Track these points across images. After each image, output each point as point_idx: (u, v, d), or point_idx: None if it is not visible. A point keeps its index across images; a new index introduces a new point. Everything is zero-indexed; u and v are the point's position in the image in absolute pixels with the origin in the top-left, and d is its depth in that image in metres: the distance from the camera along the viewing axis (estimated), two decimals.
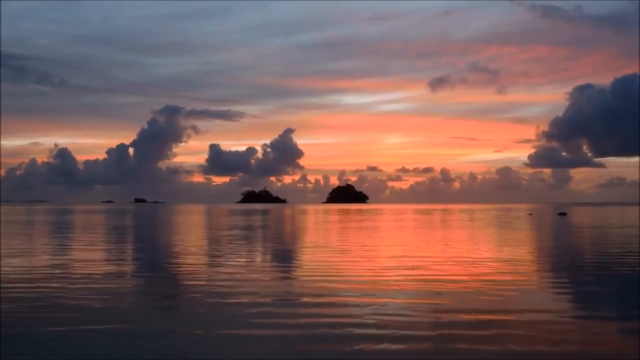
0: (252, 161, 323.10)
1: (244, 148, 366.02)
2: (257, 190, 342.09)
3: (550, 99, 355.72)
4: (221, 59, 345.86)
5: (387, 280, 11.90)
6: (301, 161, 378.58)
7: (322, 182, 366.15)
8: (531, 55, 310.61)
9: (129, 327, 7.75)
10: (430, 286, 11.14)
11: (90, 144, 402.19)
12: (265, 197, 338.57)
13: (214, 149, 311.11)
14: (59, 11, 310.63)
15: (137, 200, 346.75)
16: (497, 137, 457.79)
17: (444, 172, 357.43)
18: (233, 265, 14.70)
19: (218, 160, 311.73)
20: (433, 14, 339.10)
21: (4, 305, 9.16)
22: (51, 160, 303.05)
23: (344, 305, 9.20)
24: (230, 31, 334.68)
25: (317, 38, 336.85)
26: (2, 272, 13.03)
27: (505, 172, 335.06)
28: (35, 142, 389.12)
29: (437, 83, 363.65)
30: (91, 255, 17.15)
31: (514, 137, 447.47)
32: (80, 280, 11.86)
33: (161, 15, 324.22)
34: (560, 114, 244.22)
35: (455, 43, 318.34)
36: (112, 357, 6.41)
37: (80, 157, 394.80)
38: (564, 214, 67.93)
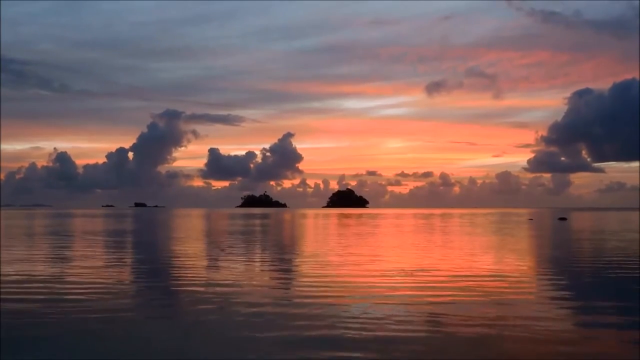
0: (252, 165, 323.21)
1: (243, 152, 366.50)
2: (257, 194, 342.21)
3: (551, 104, 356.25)
4: (222, 63, 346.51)
5: (384, 287, 11.94)
6: (301, 165, 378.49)
7: (322, 186, 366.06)
8: (531, 60, 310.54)
9: (128, 328, 7.82)
10: (428, 292, 11.19)
11: (90, 148, 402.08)
12: (265, 201, 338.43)
13: (213, 153, 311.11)
14: (60, 16, 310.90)
15: (137, 205, 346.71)
16: (496, 141, 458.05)
17: (444, 177, 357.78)
18: (231, 270, 14.72)
19: (217, 165, 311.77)
20: (433, 18, 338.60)
21: (3, 307, 9.22)
22: (50, 164, 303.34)
23: (340, 310, 9.25)
24: (231, 36, 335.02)
25: (318, 43, 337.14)
26: (2, 275, 13.09)
27: (504, 177, 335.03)
28: (35, 147, 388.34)
29: (434, 88, 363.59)
30: (90, 259, 17.19)
31: (513, 142, 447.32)
32: (79, 284, 11.90)
33: (162, 20, 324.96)
34: (560, 119, 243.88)
35: (456, 48, 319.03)
36: (111, 357, 6.48)
37: (80, 161, 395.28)
38: (564, 219, 67.96)
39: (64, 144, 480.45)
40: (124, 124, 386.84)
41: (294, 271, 14.86)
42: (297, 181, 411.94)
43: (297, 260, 17.70)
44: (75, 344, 7.09)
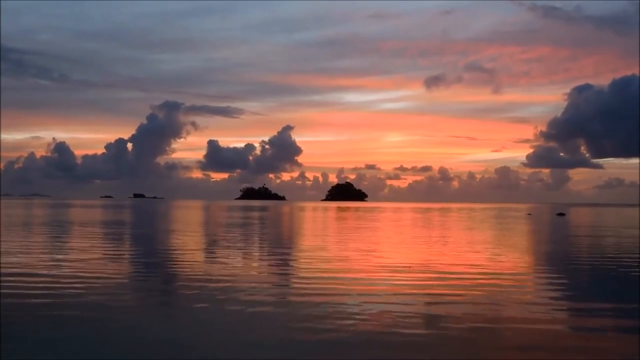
0: (251, 158, 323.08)
1: (242, 144, 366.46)
2: (256, 187, 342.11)
3: (551, 99, 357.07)
4: (222, 55, 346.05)
5: (382, 283, 11.92)
6: (300, 158, 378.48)
7: (321, 179, 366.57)
8: (532, 55, 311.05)
9: (127, 325, 7.78)
10: (425, 289, 11.17)
11: (89, 138, 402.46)
12: (264, 194, 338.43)
13: (212, 145, 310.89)
14: (60, 6, 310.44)
15: (136, 196, 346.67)
16: (495, 136, 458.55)
17: (443, 171, 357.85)
18: (229, 264, 14.70)
19: (216, 157, 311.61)
20: (434, 13, 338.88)
21: (3, 305, 9.17)
22: (49, 154, 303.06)
23: (337, 306, 9.22)
24: (232, 28, 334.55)
25: (319, 36, 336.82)
26: (2, 270, 13.05)
27: (503, 172, 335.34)
28: (35, 136, 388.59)
29: (433, 82, 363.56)
30: (88, 252, 17.16)
31: (512, 137, 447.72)
32: (78, 278, 11.87)
33: (163, 12, 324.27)
34: (560, 114, 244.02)
35: (456, 42, 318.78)
36: (111, 356, 6.43)
37: (78, 152, 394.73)
38: (562, 214, 67.97)
39: (63, 134, 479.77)
40: (124, 115, 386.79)
41: (292, 266, 14.82)
42: (296, 174, 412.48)
43: (295, 254, 17.67)
44: (74, 342, 7.05)
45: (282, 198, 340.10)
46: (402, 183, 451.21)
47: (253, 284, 11.18)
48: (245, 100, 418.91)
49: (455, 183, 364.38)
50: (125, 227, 32.52)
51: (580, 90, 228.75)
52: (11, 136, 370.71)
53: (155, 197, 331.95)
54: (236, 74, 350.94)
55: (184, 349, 6.63)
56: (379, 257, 16.37)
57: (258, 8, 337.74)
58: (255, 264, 14.93)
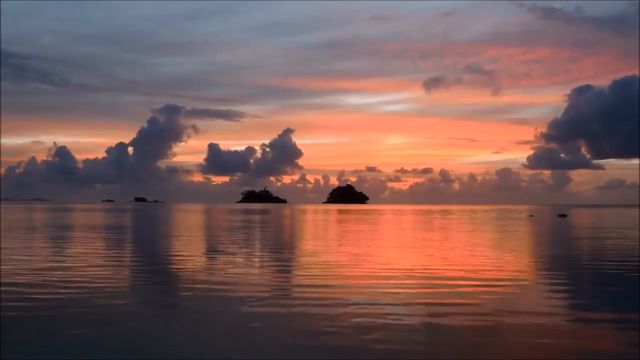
0: (251, 161, 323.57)
1: (243, 148, 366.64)
2: (257, 190, 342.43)
3: (551, 100, 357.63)
4: (223, 58, 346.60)
5: (383, 286, 11.89)
6: (300, 161, 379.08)
7: (321, 182, 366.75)
8: (532, 56, 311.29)
9: (128, 329, 7.76)
10: (426, 291, 11.15)
11: (90, 142, 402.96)
12: (265, 197, 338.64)
13: (213, 149, 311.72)
14: (61, 10, 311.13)
15: (137, 199, 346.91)
16: (496, 138, 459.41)
17: (444, 173, 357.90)
18: (229, 267, 14.67)
19: (217, 160, 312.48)
20: (434, 14, 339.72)
21: (4, 307, 9.15)
22: (50, 158, 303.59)
23: (339, 306, 9.20)
24: (232, 31, 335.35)
25: (319, 38, 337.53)
26: (2, 272, 13.03)
27: (504, 173, 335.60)
28: (36, 141, 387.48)
29: (432, 84, 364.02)
30: (89, 256, 17.12)
31: (513, 139, 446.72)
32: (79, 280, 11.84)
33: (164, 15, 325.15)
34: (560, 115, 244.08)
35: (457, 44, 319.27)
36: (111, 356, 6.43)
37: (79, 156, 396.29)
38: (564, 215, 67.92)
39: (64, 139, 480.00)
40: (124, 119, 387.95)
41: (292, 270, 14.80)
42: (296, 177, 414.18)
43: (296, 258, 17.64)
44: (75, 345, 7.03)
45: (283, 201, 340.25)
46: (403, 185, 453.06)
47: (254, 289, 11.15)
48: (246, 104, 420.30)
49: (456, 185, 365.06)
50: (127, 231, 32.50)
51: (580, 91, 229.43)
52: (12, 141, 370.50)
53: (156, 201, 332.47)
54: (237, 77, 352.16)
55: (184, 352, 6.61)
56: (380, 261, 16.33)
57: (258, 10, 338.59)
58: (255, 268, 14.91)
